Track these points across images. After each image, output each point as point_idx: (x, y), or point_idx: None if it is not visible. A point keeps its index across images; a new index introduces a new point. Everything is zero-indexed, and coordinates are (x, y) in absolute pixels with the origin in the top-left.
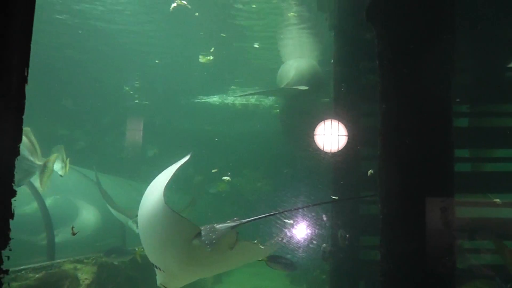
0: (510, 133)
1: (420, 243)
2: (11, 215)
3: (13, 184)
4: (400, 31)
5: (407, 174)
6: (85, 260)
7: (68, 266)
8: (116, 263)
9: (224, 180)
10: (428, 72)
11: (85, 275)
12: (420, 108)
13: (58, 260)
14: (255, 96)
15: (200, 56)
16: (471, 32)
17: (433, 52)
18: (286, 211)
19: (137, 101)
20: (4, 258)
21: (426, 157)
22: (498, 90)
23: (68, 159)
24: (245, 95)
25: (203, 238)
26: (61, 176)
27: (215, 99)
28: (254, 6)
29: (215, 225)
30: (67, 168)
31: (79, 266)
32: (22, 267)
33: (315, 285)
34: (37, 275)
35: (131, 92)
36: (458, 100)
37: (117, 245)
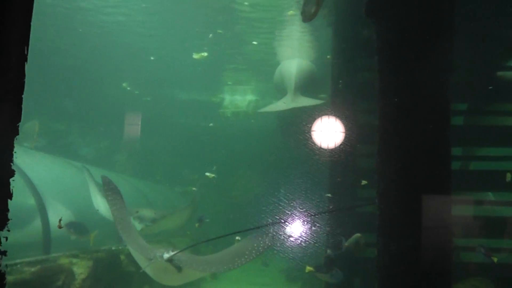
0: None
1: (417, 240)
2: (10, 196)
3: (12, 164)
4: (399, 27)
5: (405, 171)
6: (80, 255)
7: (63, 261)
8: (72, 238)
9: (208, 176)
10: (426, 69)
11: (80, 269)
12: (418, 105)
13: (54, 254)
14: (251, 97)
15: (194, 53)
16: (469, 30)
17: (432, 49)
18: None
19: (144, 98)
20: (2, 239)
21: (424, 154)
22: (494, 89)
23: (37, 133)
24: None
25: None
26: (30, 149)
27: (210, 95)
28: (247, 3)
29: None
30: (35, 142)
31: (74, 260)
32: (17, 260)
33: (311, 282)
34: (32, 269)
35: (128, 89)
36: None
37: (78, 221)
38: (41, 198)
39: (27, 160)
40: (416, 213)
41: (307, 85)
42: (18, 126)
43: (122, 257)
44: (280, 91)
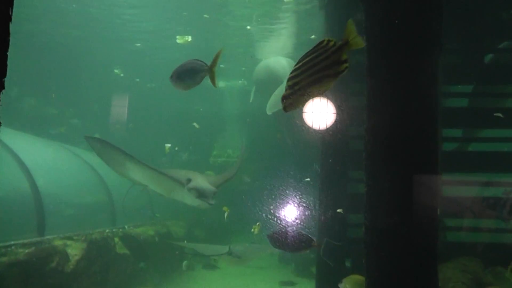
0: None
1: (403, 217)
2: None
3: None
4: (387, 7)
5: (393, 148)
6: (74, 237)
7: (58, 242)
8: None
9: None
10: (414, 49)
11: (74, 251)
12: (407, 84)
13: (48, 237)
14: (243, 79)
15: (178, 37)
16: (459, 11)
17: (420, 29)
18: None
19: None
20: None
21: (411, 132)
22: (486, 71)
23: None
24: None
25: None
26: None
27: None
28: None
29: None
30: None
31: (68, 242)
32: (12, 242)
33: (303, 264)
34: (27, 250)
35: (122, 75)
36: None
37: None
38: (34, 182)
39: (21, 143)
40: (404, 191)
41: None
42: (4, 81)
43: (116, 239)
44: (266, 87)
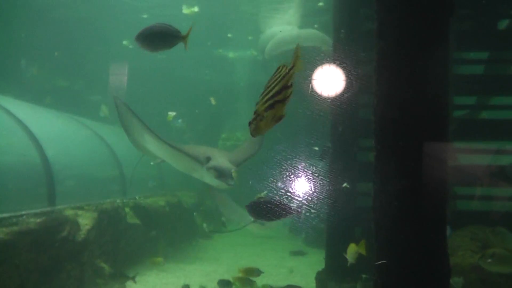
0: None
1: (412, 182)
2: None
3: None
4: None
5: (402, 112)
6: (85, 207)
7: (69, 212)
8: None
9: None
10: (425, 13)
11: (85, 220)
12: (416, 47)
13: (59, 206)
14: (251, 49)
15: (184, 7)
16: None
17: None
18: None
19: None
20: None
21: (422, 96)
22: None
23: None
24: None
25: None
26: None
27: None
28: None
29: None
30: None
31: (79, 212)
32: (23, 212)
33: (314, 233)
34: (38, 220)
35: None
36: None
37: None
38: (44, 153)
39: (30, 114)
40: (413, 155)
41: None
42: None
43: (127, 209)
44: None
